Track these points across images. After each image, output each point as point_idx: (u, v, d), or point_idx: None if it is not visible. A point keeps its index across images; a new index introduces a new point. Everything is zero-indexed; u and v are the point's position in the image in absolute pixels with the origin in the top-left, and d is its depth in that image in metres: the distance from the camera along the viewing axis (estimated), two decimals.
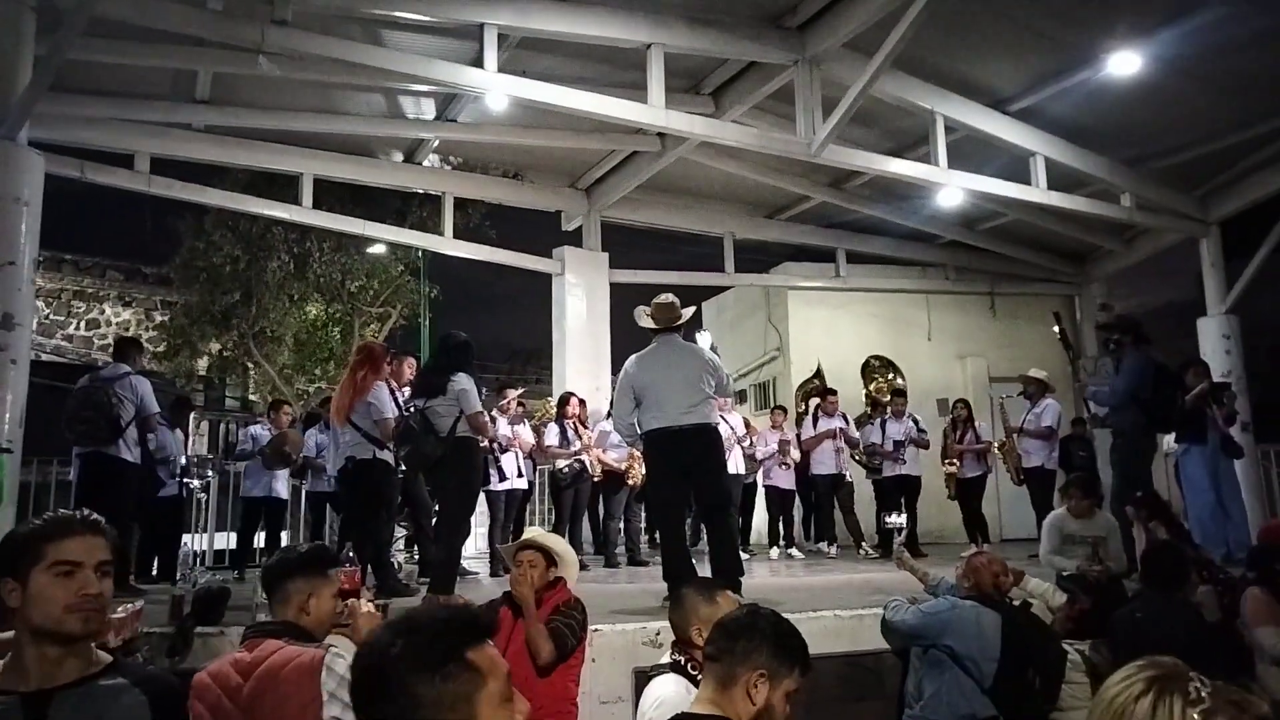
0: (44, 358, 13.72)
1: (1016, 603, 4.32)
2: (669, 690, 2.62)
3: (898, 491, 8.84)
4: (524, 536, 3.65)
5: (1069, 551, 5.55)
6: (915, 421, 9.13)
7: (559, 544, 3.65)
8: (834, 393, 9.65)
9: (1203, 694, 1.27)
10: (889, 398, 9.70)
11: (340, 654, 2.26)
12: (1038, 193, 8.75)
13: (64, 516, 1.84)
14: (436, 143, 9.33)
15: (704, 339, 5.81)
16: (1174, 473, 8.24)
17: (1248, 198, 9.51)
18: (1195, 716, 1.25)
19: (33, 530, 1.80)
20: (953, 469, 8.87)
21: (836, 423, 9.24)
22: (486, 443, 6.97)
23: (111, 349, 7.00)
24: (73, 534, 1.79)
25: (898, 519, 6.24)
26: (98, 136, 8.04)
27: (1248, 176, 9.45)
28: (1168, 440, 7.68)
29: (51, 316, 15.35)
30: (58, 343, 15.36)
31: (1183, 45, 7.11)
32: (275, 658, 2.32)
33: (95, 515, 1.86)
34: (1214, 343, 9.56)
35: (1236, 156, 9.21)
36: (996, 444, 8.80)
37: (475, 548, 8.19)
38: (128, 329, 15.44)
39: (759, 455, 9.32)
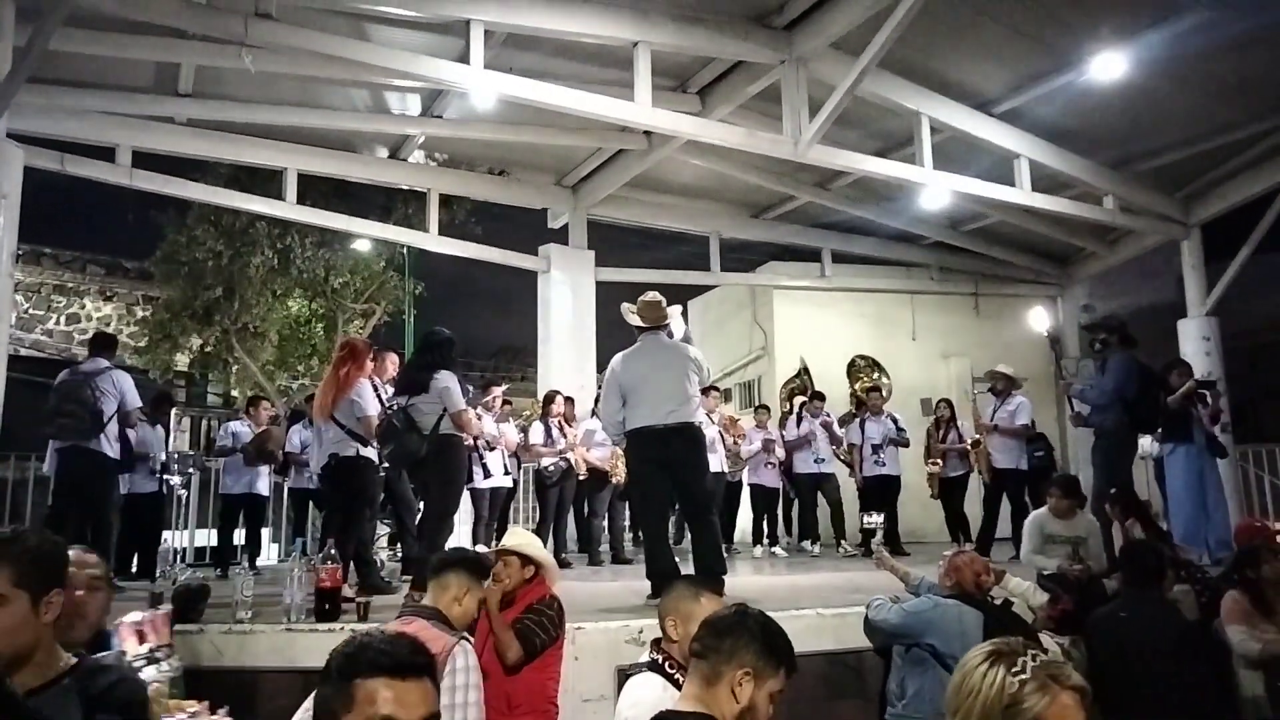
0: (23, 352, 13.56)
1: (998, 601, 4.35)
2: (647, 690, 2.60)
3: (879, 491, 8.87)
4: (504, 542, 3.60)
5: (1050, 551, 5.59)
6: (894, 421, 9.16)
7: (535, 549, 3.63)
8: (822, 396, 9.65)
9: (1027, 667, 1.57)
10: (867, 395, 9.72)
11: (468, 649, 2.50)
12: (1021, 194, 8.80)
13: None
14: (422, 139, 9.28)
15: (676, 326, 5.78)
16: (1153, 473, 8.32)
17: (1228, 201, 9.60)
18: (1014, 683, 1.55)
19: None
20: (935, 468, 8.87)
21: (817, 422, 9.27)
22: (471, 440, 6.96)
23: (88, 344, 6.92)
24: None
25: (874, 519, 6.25)
26: (78, 129, 7.95)
27: (1229, 180, 9.54)
28: (1145, 441, 7.73)
29: (31, 311, 15.16)
30: (37, 337, 15.18)
31: (1166, 49, 7.16)
32: (420, 635, 2.46)
33: None
34: (1194, 344, 9.64)
35: (1218, 160, 9.30)
36: (970, 442, 8.74)
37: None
38: (108, 324, 15.27)
39: (744, 454, 9.33)
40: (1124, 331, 6.93)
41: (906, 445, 9.10)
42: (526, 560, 3.53)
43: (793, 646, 2.16)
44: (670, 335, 5.48)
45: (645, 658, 2.83)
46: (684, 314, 5.80)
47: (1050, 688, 1.56)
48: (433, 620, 2.71)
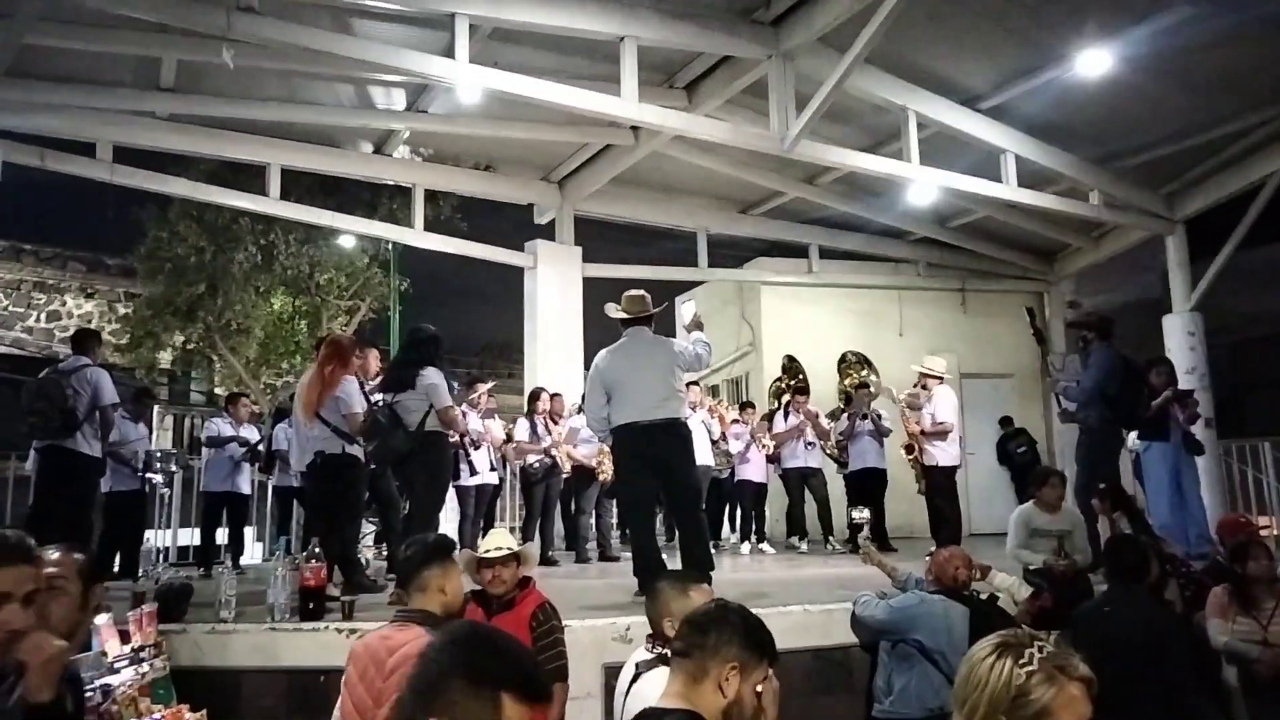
0: (2, 350, 13.44)
1: (984, 597, 4.35)
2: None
3: (864, 485, 8.83)
4: (488, 552, 3.53)
5: (1036, 546, 5.59)
6: (879, 416, 9.14)
7: (518, 550, 3.58)
8: (804, 392, 9.59)
9: (1034, 658, 1.58)
10: (855, 391, 9.69)
11: None
12: (1008, 190, 8.82)
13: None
14: (407, 134, 9.22)
15: (688, 309, 5.79)
16: (1134, 469, 8.34)
17: (1212, 196, 9.63)
18: (1021, 674, 1.56)
19: None
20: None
21: (799, 419, 9.24)
22: (457, 437, 6.91)
23: (70, 341, 6.84)
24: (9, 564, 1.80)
25: (861, 514, 6.23)
26: (58, 124, 7.88)
27: (1213, 175, 9.58)
28: (1131, 437, 7.75)
29: (11, 308, 15.03)
30: (17, 335, 15.05)
31: (1150, 44, 7.18)
32: (414, 644, 2.52)
33: (28, 541, 1.85)
34: (1179, 339, 9.67)
35: (1202, 156, 9.33)
36: (902, 446, 8.46)
37: None
38: (90, 321, 15.15)
39: (732, 450, 9.31)
40: (1104, 326, 6.93)
41: (888, 434, 9.06)
42: (516, 560, 3.50)
43: (773, 637, 2.15)
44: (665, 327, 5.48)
45: (646, 654, 2.75)
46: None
47: (1057, 678, 1.57)
48: (426, 625, 2.70)
